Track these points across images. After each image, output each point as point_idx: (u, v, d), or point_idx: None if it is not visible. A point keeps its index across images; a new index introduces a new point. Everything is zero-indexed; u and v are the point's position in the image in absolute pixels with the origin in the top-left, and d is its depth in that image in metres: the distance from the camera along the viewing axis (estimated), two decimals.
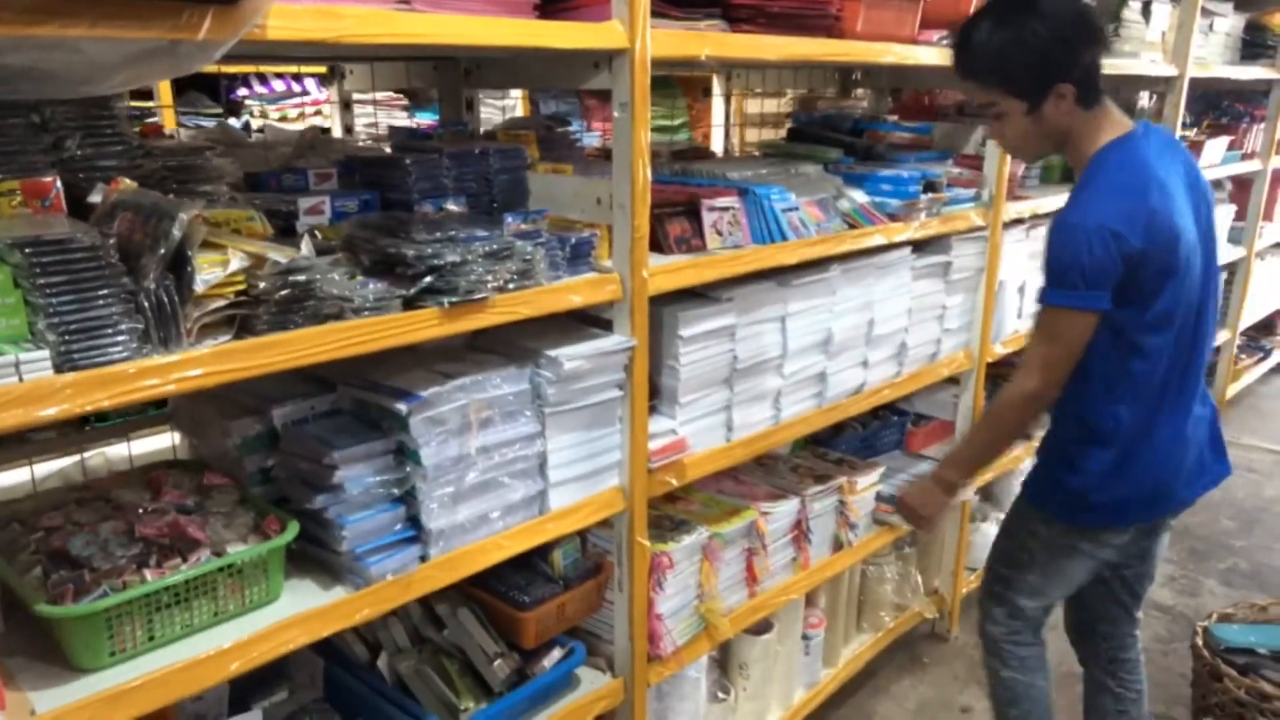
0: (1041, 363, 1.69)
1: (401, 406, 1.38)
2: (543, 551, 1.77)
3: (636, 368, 1.66)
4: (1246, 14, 4.07)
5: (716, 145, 2.99)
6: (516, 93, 3.62)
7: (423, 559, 1.45)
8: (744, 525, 2.03)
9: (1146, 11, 3.27)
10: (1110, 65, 3.05)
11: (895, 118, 2.73)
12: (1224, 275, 4.39)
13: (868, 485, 2.40)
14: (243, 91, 3.03)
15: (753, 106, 4.04)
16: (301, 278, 1.24)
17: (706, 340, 1.85)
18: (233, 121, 2.97)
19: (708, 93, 4.32)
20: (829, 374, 2.18)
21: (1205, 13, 3.58)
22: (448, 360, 1.56)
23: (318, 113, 3.08)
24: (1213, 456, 1.89)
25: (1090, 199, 1.62)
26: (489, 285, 1.41)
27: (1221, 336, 4.52)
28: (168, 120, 2.84)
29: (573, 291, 1.55)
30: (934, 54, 2.20)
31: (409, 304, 1.35)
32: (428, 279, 1.36)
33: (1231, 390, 4.74)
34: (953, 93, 3.40)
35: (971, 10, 2.19)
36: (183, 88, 3.06)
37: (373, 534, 1.41)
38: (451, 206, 1.62)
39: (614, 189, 1.59)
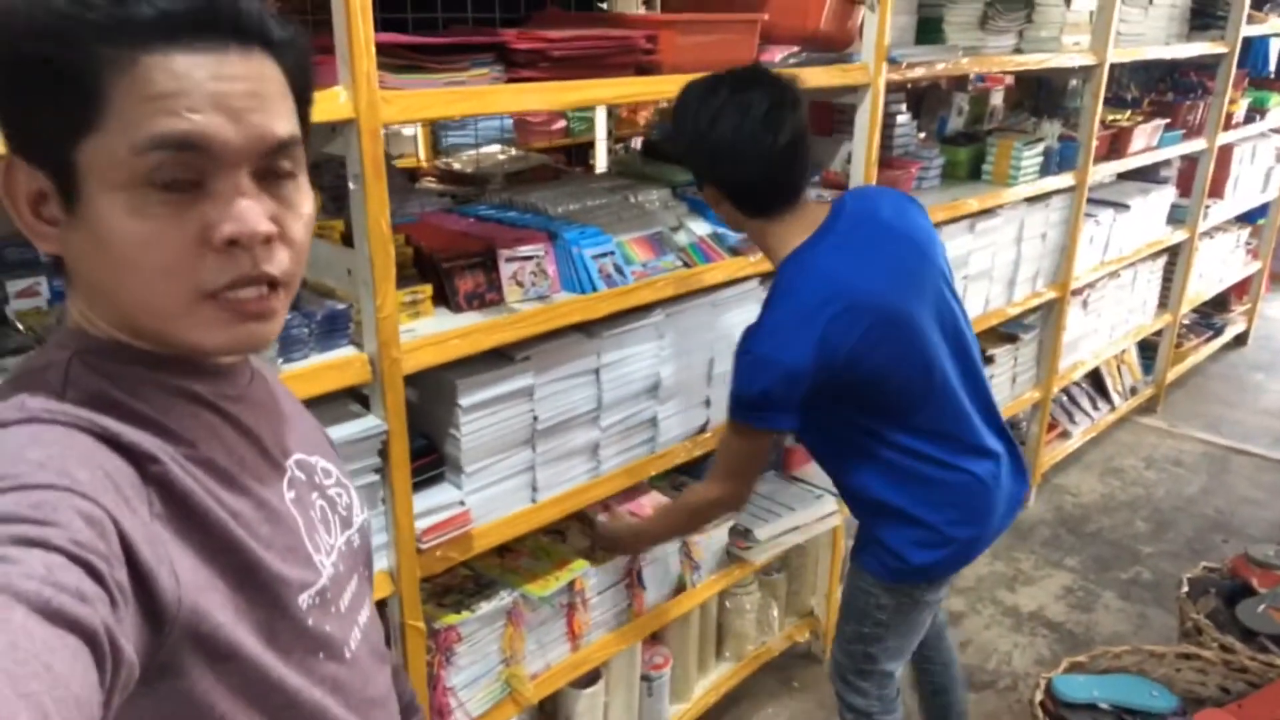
0: (736, 473, 1.73)
1: None
2: None
3: (394, 449, 1.56)
4: None
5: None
6: None
7: None
8: (559, 586, 1.94)
9: None
10: (1016, 63, 2.89)
11: None
12: (1164, 259, 4.26)
13: (717, 523, 2.31)
14: None
15: None
16: None
17: (496, 405, 1.74)
18: None
19: None
20: (660, 419, 2.07)
21: None
22: None
23: None
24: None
25: (764, 327, 1.62)
26: None
27: (1162, 321, 4.38)
28: None
29: (309, 379, 1.44)
30: None
31: None
32: None
33: (1174, 374, 4.62)
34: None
35: (820, 24, 2.04)
36: None
37: None
38: None
39: (355, 266, 1.47)
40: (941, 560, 1.77)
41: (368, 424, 1.51)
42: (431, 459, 1.73)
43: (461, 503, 1.72)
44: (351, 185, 1.41)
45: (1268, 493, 3.78)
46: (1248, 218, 5.01)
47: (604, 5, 2.37)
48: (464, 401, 1.67)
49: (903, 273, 1.66)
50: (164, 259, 0.65)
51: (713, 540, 2.31)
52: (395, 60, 1.45)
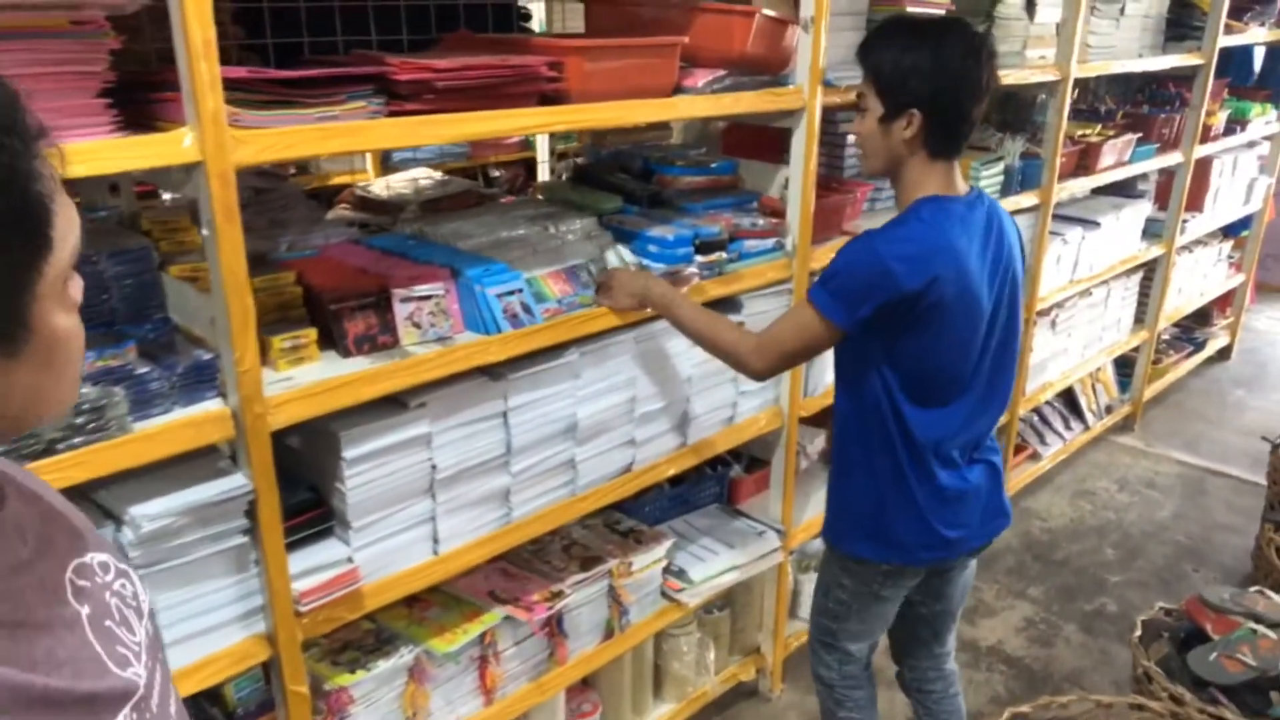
0: (777, 347, 1.75)
1: None
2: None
3: (263, 510, 1.46)
4: None
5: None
6: None
7: None
8: (468, 640, 1.85)
9: (1031, 5, 2.96)
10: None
11: (703, 151, 2.46)
12: (1140, 275, 4.16)
13: (648, 564, 2.22)
14: None
15: None
16: None
17: (387, 455, 1.64)
18: None
19: None
20: (580, 460, 1.97)
21: None
22: None
23: None
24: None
25: (894, 234, 1.69)
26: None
27: (1138, 338, 4.28)
28: None
29: (162, 438, 1.34)
30: (703, 104, 1.95)
31: None
32: None
33: (1152, 390, 4.51)
34: None
35: (747, 46, 1.94)
36: None
37: None
38: None
39: (214, 315, 1.37)
40: (883, 555, 1.84)
41: (231, 484, 1.42)
42: (319, 513, 1.63)
43: (350, 559, 1.63)
44: (204, 232, 1.32)
45: (1243, 518, 3.67)
46: (1230, 230, 4.90)
47: (529, 25, 2.27)
48: (348, 454, 1.58)
49: (996, 283, 1.76)
50: (81, 343, 0.68)
51: (642, 582, 2.21)
52: (258, 96, 1.36)
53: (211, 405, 1.42)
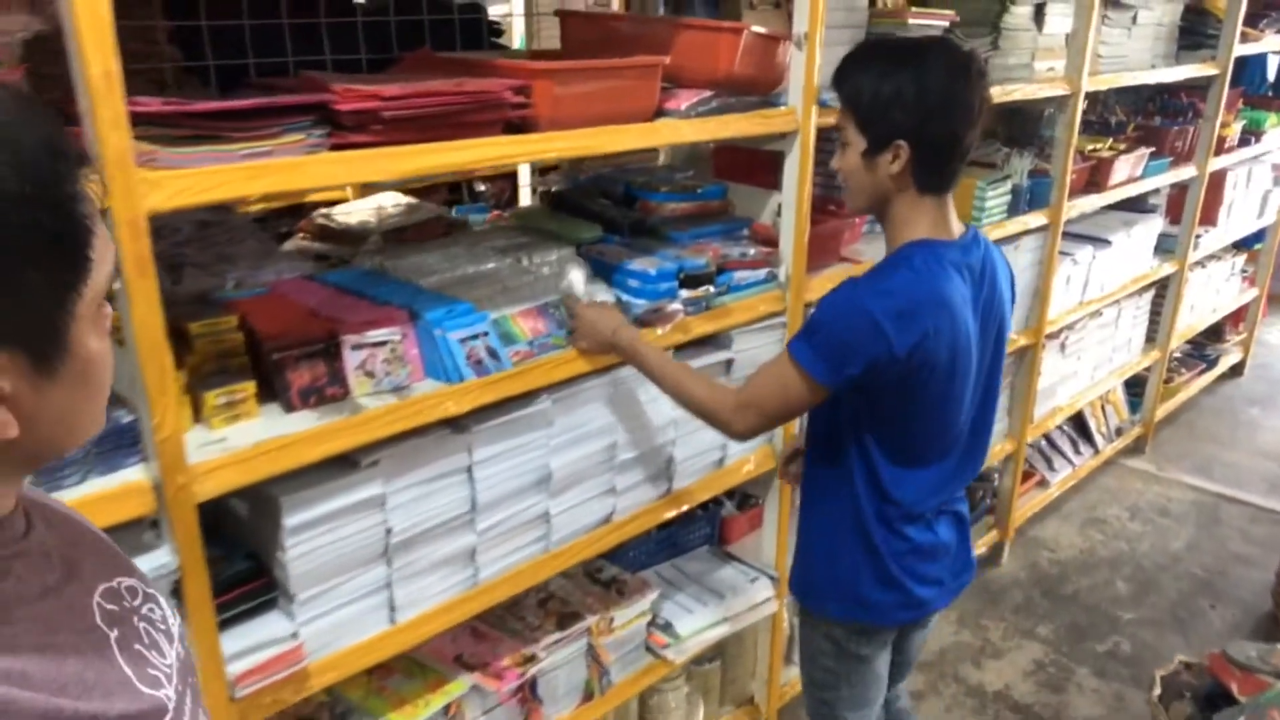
0: (758, 408, 1.59)
1: None
2: None
3: (190, 588, 1.31)
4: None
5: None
6: None
7: None
8: (431, 713, 1.70)
9: (1039, 15, 2.81)
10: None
11: (690, 174, 2.31)
12: (1152, 292, 4.01)
13: (631, 618, 2.07)
14: None
15: None
16: None
17: (335, 520, 1.49)
18: None
19: None
20: (554, 514, 1.82)
21: (1119, 5, 3.11)
22: None
23: None
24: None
25: (874, 284, 1.53)
26: None
27: (1150, 357, 4.12)
28: None
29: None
30: (687, 129, 1.79)
31: None
32: None
33: (1163, 410, 4.36)
34: None
35: (735, 65, 1.79)
36: None
37: None
38: None
39: (130, 375, 1.22)
40: (853, 614, 1.73)
41: (153, 562, 1.26)
42: (260, 584, 1.48)
43: (294, 635, 1.47)
44: (114, 285, 1.17)
45: (1260, 548, 3.52)
46: (1244, 243, 4.75)
47: (502, 41, 2.12)
48: (289, 521, 1.43)
49: (985, 338, 1.64)
50: (111, 369, 0.71)
51: (624, 639, 2.06)
52: (177, 131, 1.21)
53: (132, 474, 1.27)
